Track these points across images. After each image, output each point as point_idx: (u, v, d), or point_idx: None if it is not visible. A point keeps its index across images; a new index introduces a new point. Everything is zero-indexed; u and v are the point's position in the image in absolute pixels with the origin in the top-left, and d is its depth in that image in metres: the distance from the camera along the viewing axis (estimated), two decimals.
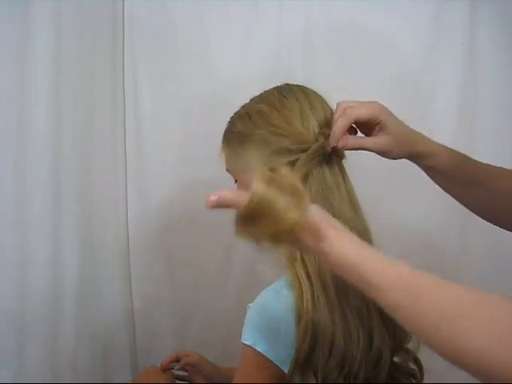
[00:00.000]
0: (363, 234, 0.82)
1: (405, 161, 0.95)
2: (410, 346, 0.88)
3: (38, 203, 1.06)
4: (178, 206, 1.33)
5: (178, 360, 1.09)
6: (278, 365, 0.76)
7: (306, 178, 0.80)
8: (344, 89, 0.91)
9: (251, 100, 0.90)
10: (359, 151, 0.86)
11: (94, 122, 1.21)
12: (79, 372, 1.16)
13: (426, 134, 1.35)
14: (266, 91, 0.90)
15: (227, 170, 0.91)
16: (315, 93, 0.87)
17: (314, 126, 0.83)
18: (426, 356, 0.90)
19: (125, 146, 1.32)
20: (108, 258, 1.27)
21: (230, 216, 1.21)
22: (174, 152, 1.32)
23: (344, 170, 0.85)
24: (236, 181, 0.90)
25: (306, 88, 0.88)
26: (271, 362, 0.76)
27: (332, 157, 0.83)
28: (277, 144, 0.81)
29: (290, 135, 0.81)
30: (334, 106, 0.87)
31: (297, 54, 1.29)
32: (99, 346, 1.24)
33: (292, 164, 0.80)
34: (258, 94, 0.91)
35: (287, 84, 0.89)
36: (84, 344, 1.18)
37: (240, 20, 1.29)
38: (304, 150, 0.81)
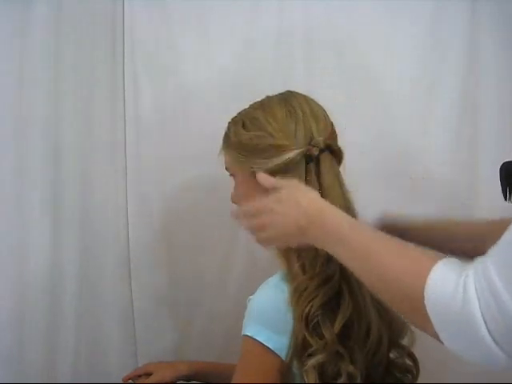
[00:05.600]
0: None
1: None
2: (405, 342, 0.90)
3: (38, 203, 1.06)
4: (178, 205, 1.33)
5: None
6: (279, 354, 0.79)
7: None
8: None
9: (250, 105, 0.92)
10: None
11: (93, 122, 1.21)
12: (79, 372, 1.16)
13: (427, 134, 1.36)
14: (267, 97, 0.92)
15: (226, 169, 0.94)
16: (315, 102, 0.90)
17: (306, 132, 0.85)
18: (421, 353, 0.91)
19: (125, 146, 1.32)
20: (108, 258, 1.27)
21: (229, 216, 1.21)
22: (175, 151, 1.31)
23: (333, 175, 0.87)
24: (233, 179, 0.93)
25: (308, 97, 0.90)
26: (272, 351, 0.78)
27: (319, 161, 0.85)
28: (270, 148, 0.84)
29: (280, 137, 0.84)
30: (334, 110, 0.88)
31: (296, 54, 1.29)
32: (99, 346, 1.24)
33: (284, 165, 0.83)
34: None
35: (290, 92, 0.91)
36: (84, 344, 1.18)
37: (240, 19, 1.29)
38: (289, 150, 0.83)
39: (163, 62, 1.31)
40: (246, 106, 0.93)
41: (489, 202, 1.28)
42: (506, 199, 0.85)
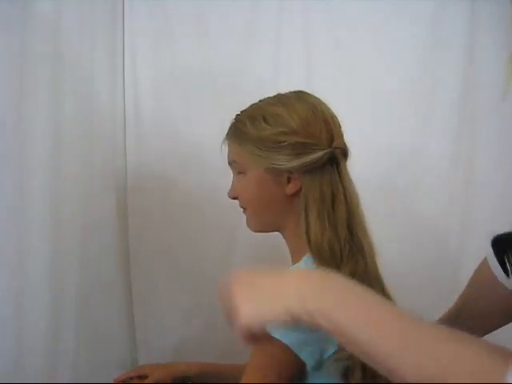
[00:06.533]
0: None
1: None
2: None
3: (38, 202, 1.06)
4: (178, 205, 1.33)
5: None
6: (294, 350, 0.76)
7: (313, 179, 0.83)
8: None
9: (262, 101, 0.90)
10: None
11: (93, 122, 1.21)
12: (79, 372, 1.16)
13: (427, 133, 1.35)
14: (281, 94, 0.90)
15: (231, 163, 0.91)
16: (325, 104, 0.89)
17: (327, 131, 0.85)
18: None
19: (125, 146, 1.32)
20: (108, 258, 1.27)
21: (230, 216, 1.21)
22: (175, 151, 1.32)
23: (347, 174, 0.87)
24: (238, 173, 0.90)
25: (318, 97, 0.89)
26: (286, 346, 0.76)
27: (339, 162, 0.85)
28: (295, 146, 0.83)
29: (305, 136, 0.83)
30: (334, 110, 0.88)
31: (296, 54, 1.30)
32: (99, 345, 1.24)
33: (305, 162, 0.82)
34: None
35: (302, 91, 0.90)
36: (84, 344, 1.18)
37: (240, 19, 1.29)
38: (316, 150, 0.83)
39: (163, 61, 1.31)
40: (246, 106, 0.91)
41: (488, 201, 1.28)
42: (507, 276, 0.82)
